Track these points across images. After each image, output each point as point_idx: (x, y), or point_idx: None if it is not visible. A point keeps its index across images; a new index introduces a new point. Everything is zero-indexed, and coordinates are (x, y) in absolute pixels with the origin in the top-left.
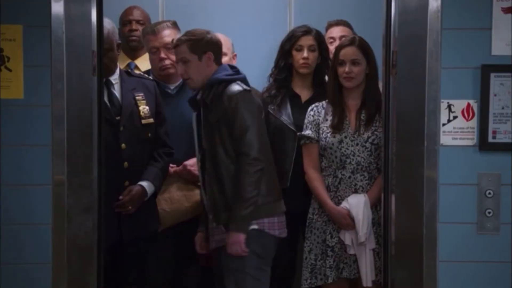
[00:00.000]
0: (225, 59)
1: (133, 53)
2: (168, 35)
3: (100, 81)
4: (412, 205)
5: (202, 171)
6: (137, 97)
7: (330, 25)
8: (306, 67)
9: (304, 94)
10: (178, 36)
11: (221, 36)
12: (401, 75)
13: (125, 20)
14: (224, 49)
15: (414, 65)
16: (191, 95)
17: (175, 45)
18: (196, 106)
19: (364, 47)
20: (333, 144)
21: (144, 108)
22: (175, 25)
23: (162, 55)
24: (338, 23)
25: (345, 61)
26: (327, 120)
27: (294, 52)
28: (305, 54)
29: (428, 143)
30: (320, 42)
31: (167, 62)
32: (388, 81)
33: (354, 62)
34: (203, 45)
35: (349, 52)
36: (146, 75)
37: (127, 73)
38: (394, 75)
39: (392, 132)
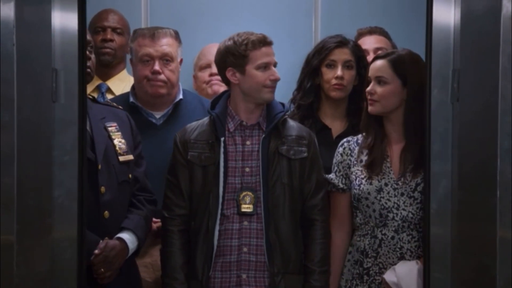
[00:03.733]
0: None
1: (105, 71)
2: (169, 44)
3: (83, 109)
4: (481, 277)
5: None
6: (109, 128)
7: (361, 34)
8: (339, 89)
9: (336, 126)
10: (178, 50)
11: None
12: (465, 102)
13: (97, 27)
14: None
15: (482, 89)
16: (182, 127)
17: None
18: None
19: (398, 62)
20: (369, 193)
21: (120, 142)
22: (177, 36)
23: (157, 67)
24: (372, 31)
25: (370, 77)
26: (361, 161)
27: (324, 69)
28: (339, 72)
29: (502, 194)
30: (359, 57)
31: (161, 77)
32: (444, 109)
33: (379, 81)
34: None
35: (376, 67)
36: (115, 104)
37: (92, 99)
38: (455, 102)
39: (453, 180)
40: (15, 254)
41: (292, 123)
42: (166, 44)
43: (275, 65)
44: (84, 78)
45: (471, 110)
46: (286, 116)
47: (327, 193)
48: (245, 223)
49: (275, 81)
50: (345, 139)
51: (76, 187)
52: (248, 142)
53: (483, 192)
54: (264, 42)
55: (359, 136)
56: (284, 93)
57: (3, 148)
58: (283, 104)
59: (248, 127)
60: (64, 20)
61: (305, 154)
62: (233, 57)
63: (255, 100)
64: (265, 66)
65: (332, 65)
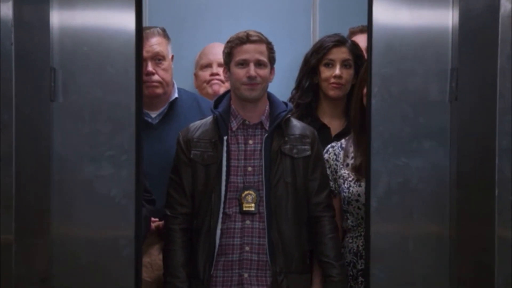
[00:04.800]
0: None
1: None
2: (158, 43)
3: (139, 109)
4: (479, 276)
5: None
6: None
7: (353, 33)
8: (338, 88)
9: (335, 125)
10: (168, 47)
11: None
12: (463, 101)
13: None
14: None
15: (480, 88)
16: (178, 125)
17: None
18: None
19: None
20: (359, 195)
21: None
22: (165, 33)
23: (150, 68)
24: (364, 30)
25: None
26: (348, 164)
27: (323, 68)
28: (337, 71)
29: (500, 192)
30: (357, 56)
31: (155, 78)
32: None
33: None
34: None
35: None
36: None
37: None
38: (454, 100)
39: (451, 178)
40: (13, 254)
41: (295, 122)
42: (156, 44)
43: (261, 63)
44: (140, 77)
45: (469, 109)
46: (289, 115)
47: (331, 191)
48: (247, 222)
49: (251, 78)
50: (329, 145)
51: (133, 187)
52: (250, 141)
53: (481, 191)
54: (245, 39)
55: (343, 140)
56: (283, 92)
57: (1, 147)
58: (286, 104)
59: (250, 126)
60: (62, 19)
61: (308, 153)
62: (224, 55)
63: (239, 97)
64: (243, 63)
65: (330, 64)
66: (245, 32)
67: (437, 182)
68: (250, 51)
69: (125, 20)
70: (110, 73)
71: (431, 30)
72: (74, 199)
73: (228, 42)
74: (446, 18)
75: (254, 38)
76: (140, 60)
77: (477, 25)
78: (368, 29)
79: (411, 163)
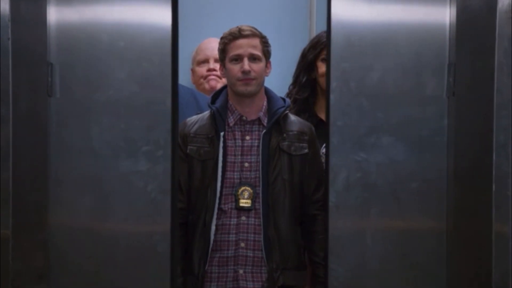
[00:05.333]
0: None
1: None
2: None
3: (175, 104)
4: (476, 271)
5: None
6: None
7: None
8: None
9: None
10: None
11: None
12: (461, 96)
13: None
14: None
15: (478, 83)
16: None
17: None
18: None
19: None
20: None
21: None
22: None
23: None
24: None
25: None
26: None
27: (320, 64)
28: None
29: (498, 188)
30: None
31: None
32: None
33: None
34: None
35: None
36: None
37: None
38: (451, 96)
39: (448, 174)
40: (10, 249)
41: (293, 118)
42: None
43: (255, 57)
44: (176, 73)
45: (467, 104)
46: (287, 111)
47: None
48: (243, 218)
49: (245, 72)
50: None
51: (169, 182)
52: (247, 137)
53: (479, 186)
54: (238, 34)
55: None
56: (281, 88)
57: None
58: (284, 99)
59: (248, 122)
60: (59, 14)
61: (306, 150)
62: (219, 51)
63: (236, 93)
64: (237, 59)
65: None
66: (238, 27)
67: (395, 176)
68: (243, 46)
69: (161, 16)
70: (146, 69)
71: (428, 26)
72: (109, 194)
73: (222, 38)
74: (444, 14)
75: (247, 32)
76: (176, 56)
77: (475, 20)
78: (327, 24)
79: (370, 158)
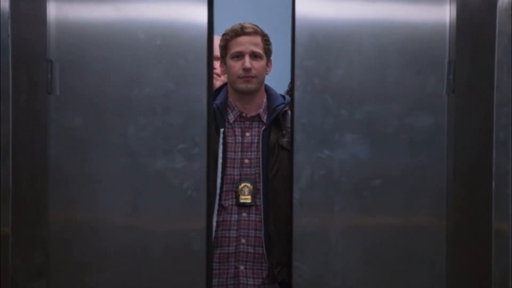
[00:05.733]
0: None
1: None
2: None
3: (210, 102)
4: (476, 269)
5: None
6: None
7: None
8: None
9: None
10: None
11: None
12: (460, 94)
13: None
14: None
15: (478, 81)
16: None
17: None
18: None
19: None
20: None
21: None
22: None
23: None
24: None
25: None
26: None
27: None
28: None
29: (497, 185)
30: None
31: None
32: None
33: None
34: None
35: None
36: None
37: None
38: (451, 93)
39: (448, 171)
40: (10, 246)
41: None
42: None
43: (256, 55)
44: (211, 70)
45: (466, 102)
46: (287, 108)
47: None
48: (244, 214)
49: (246, 70)
50: None
51: (205, 180)
52: (247, 134)
53: (478, 184)
54: (240, 31)
55: None
56: (282, 86)
57: None
58: (284, 97)
59: (248, 119)
60: (59, 11)
61: None
62: (220, 48)
63: (236, 90)
64: (238, 56)
65: None
66: (240, 24)
67: (359, 175)
68: (244, 43)
69: (197, 14)
70: (182, 66)
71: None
72: (144, 191)
73: (223, 35)
74: (444, 10)
75: (249, 30)
76: (211, 53)
77: (475, 17)
78: (291, 20)
79: (334, 155)
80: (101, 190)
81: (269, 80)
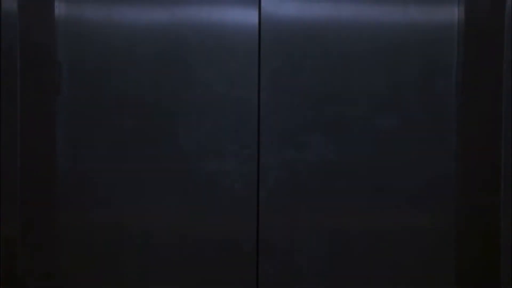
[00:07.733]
0: None
1: None
2: None
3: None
4: (484, 271)
5: None
6: None
7: None
8: None
9: None
10: None
11: None
12: (469, 94)
13: None
14: None
15: (487, 81)
16: None
17: None
18: None
19: None
20: None
21: None
22: None
23: None
24: None
25: None
26: None
27: None
28: None
29: (506, 186)
30: None
31: None
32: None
33: None
34: None
35: None
36: None
37: None
38: (460, 94)
39: (458, 171)
40: (19, 247)
41: None
42: None
43: None
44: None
45: (475, 102)
46: None
47: None
48: None
49: None
50: None
51: (255, 182)
52: None
53: (487, 184)
54: None
55: None
56: None
57: (6, 141)
58: None
59: None
60: (68, 12)
61: None
62: None
63: None
64: None
65: None
66: None
67: (325, 174)
68: None
69: (248, 15)
70: (233, 68)
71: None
72: (195, 193)
73: None
74: (453, 10)
75: None
76: (260, 54)
77: (483, 18)
78: (258, 20)
79: (301, 156)
80: (129, 192)
81: None
